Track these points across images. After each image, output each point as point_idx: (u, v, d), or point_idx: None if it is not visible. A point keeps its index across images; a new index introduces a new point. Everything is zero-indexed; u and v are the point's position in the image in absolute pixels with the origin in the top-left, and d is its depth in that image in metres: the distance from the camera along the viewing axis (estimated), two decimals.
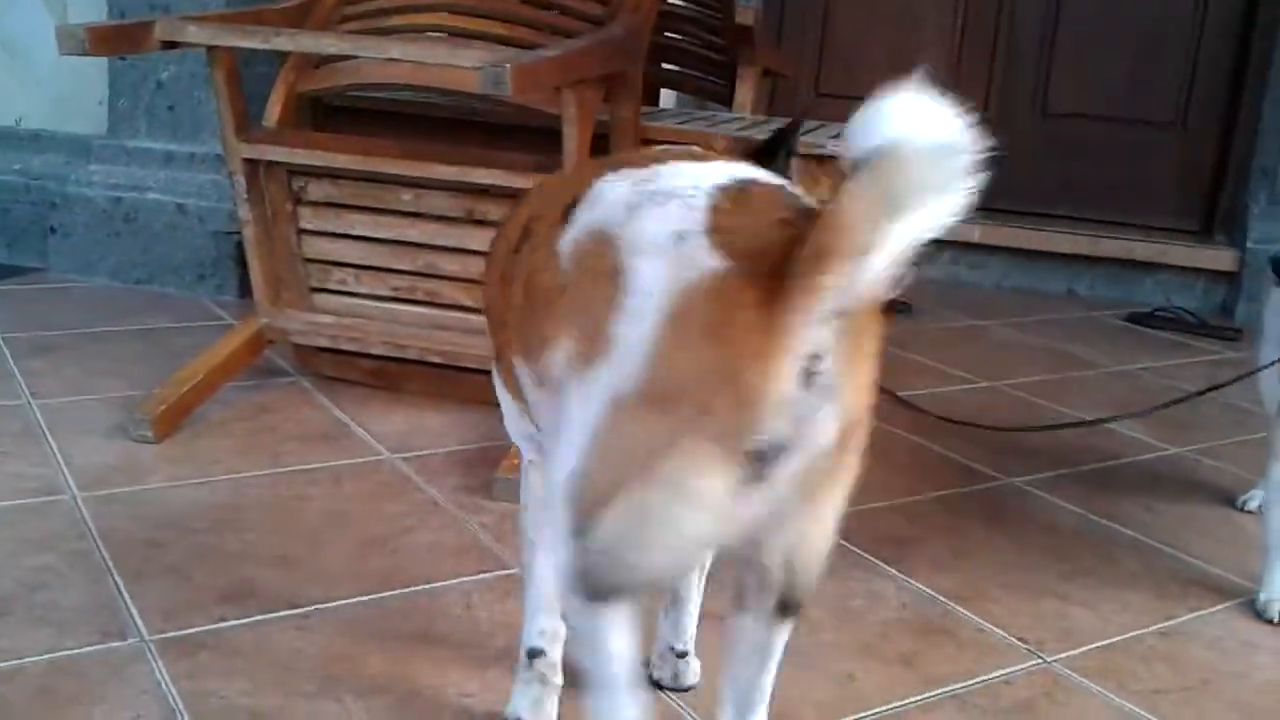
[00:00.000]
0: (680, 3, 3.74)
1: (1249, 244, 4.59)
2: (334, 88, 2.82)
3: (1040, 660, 1.93)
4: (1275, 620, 2.13)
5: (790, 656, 1.86)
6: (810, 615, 2.00)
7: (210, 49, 2.56)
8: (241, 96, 2.68)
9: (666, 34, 3.88)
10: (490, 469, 2.41)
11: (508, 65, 1.92)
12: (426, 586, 1.99)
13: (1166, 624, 2.09)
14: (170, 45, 2.52)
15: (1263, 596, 2.16)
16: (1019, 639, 1.99)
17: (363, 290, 2.79)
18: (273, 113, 2.80)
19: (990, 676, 1.87)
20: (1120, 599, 2.17)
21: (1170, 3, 4.85)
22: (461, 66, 2.17)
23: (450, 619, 1.91)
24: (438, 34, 2.79)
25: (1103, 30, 4.93)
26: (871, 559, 2.24)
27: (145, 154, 3.81)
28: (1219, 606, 2.16)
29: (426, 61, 2.33)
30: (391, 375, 2.89)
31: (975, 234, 4.73)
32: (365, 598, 1.95)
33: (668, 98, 4.48)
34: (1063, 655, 1.95)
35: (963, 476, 2.72)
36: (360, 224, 2.73)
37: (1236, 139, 4.80)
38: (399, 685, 1.71)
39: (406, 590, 1.99)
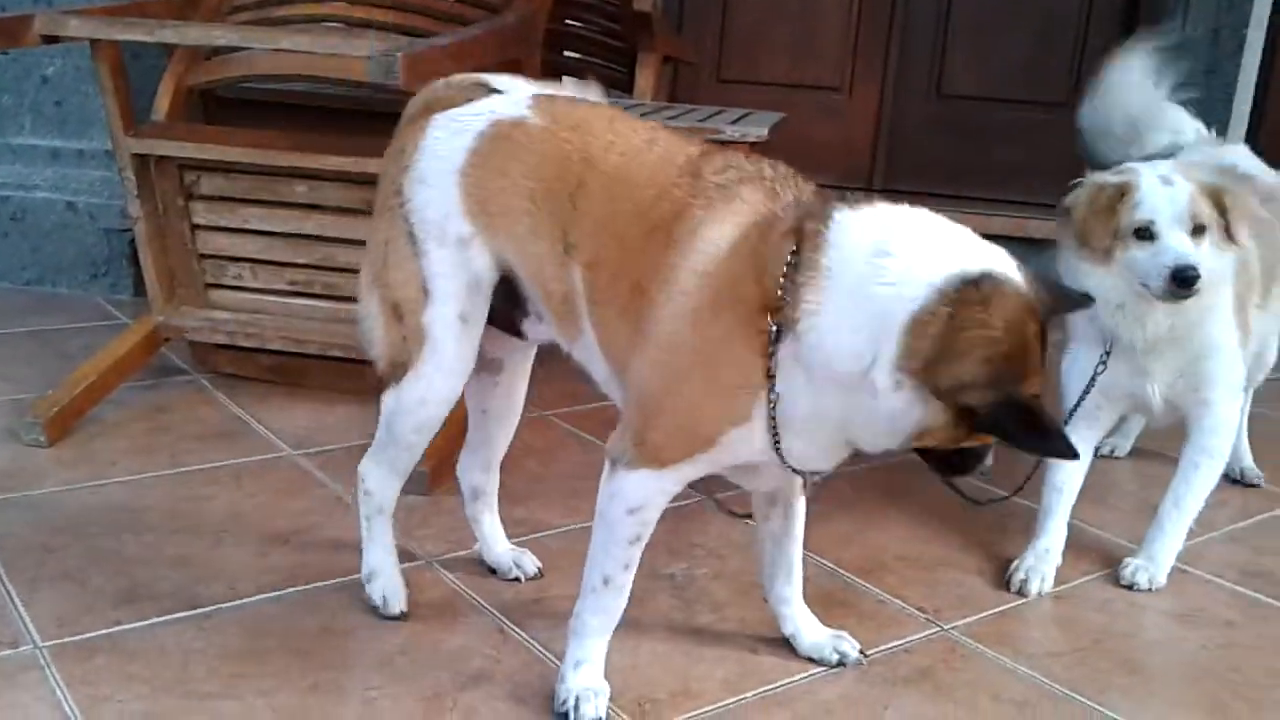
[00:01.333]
0: None
1: None
2: (225, 80, 2.78)
3: (938, 628, 1.98)
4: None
5: (695, 634, 1.90)
6: (715, 594, 2.03)
7: (94, 43, 2.50)
8: (128, 91, 2.62)
9: (568, 21, 3.89)
10: None
11: (398, 54, 1.91)
12: (331, 582, 1.98)
13: (1059, 588, 2.15)
14: (52, 40, 2.46)
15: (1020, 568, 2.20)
16: (918, 608, 2.04)
17: (259, 285, 2.76)
18: (162, 106, 2.75)
19: (890, 646, 1.91)
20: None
21: None
22: (352, 56, 2.16)
23: (355, 613, 1.89)
24: (332, 24, 2.76)
25: (995, 14, 5.03)
26: None
27: (31, 151, 3.71)
28: (1109, 570, 2.23)
29: (317, 51, 2.31)
30: (291, 370, 2.85)
31: None
32: (268, 595, 1.94)
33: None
34: (960, 623, 2.00)
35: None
36: (255, 218, 2.70)
37: None
38: (302, 681, 1.70)
39: (310, 586, 1.97)
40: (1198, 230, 2.05)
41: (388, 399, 1.80)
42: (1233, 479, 2.71)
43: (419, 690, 1.70)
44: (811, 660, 1.84)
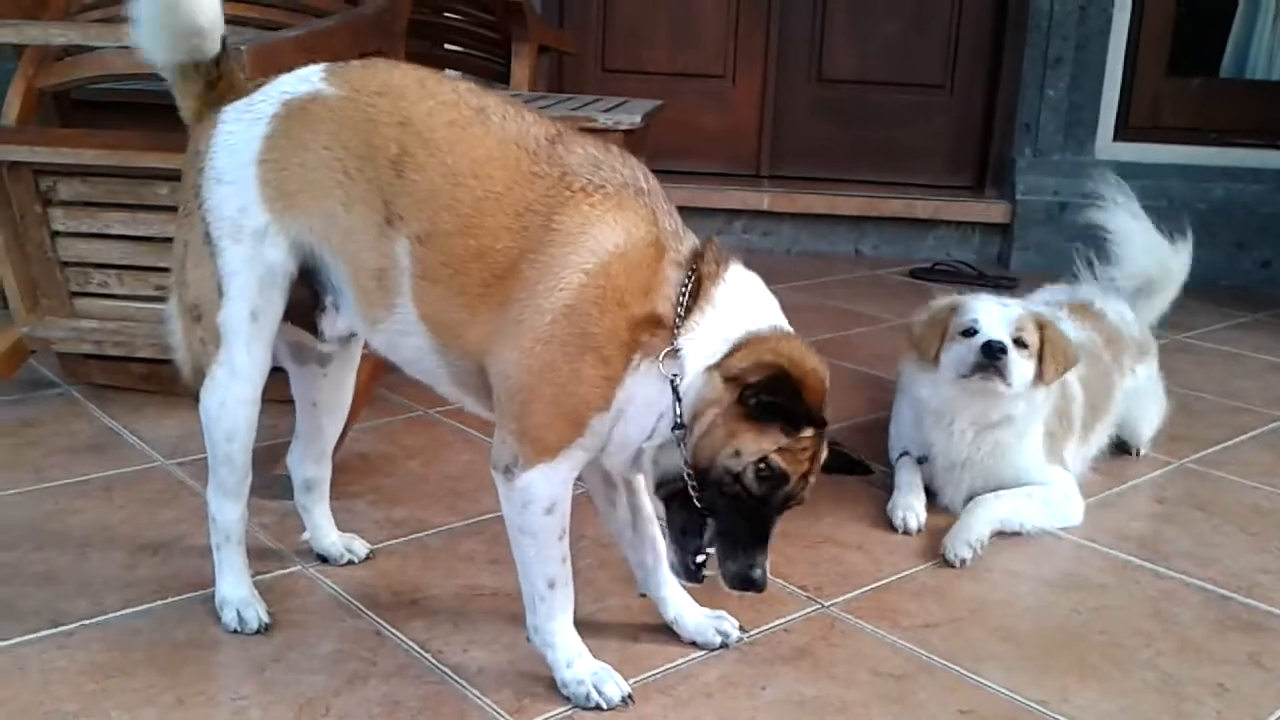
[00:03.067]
0: None
1: (1018, 196, 4.84)
2: (77, 80, 2.69)
3: (819, 605, 2.00)
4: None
5: (577, 625, 1.87)
6: (598, 584, 2.02)
7: None
8: None
9: (446, 14, 3.84)
10: (270, 467, 2.33)
11: (243, 47, 1.86)
12: (201, 592, 1.92)
13: (937, 561, 2.19)
14: None
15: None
16: (799, 587, 2.06)
17: (126, 291, 2.68)
18: (12, 110, 2.66)
19: (770, 625, 1.92)
20: (893, 541, 2.26)
21: None
22: None
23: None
24: None
25: (871, 1, 5.10)
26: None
27: None
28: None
29: None
30: (165, 378, 2.76)
31: (764, 202, 4.84)
32: (136, 608, 1.88)
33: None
34: (839, 599, 2.02)
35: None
36: (117, 222, 2.61)
37: (1000, 98, 5.04)
38: (168, 694, 1.65)
39: (180, 598, 1.92)
40: (1019, 344, 2.23)
41: (200, 412, 1.78)
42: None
43: (291, 697, 1.66)
44: (695, 644, 1.84)
